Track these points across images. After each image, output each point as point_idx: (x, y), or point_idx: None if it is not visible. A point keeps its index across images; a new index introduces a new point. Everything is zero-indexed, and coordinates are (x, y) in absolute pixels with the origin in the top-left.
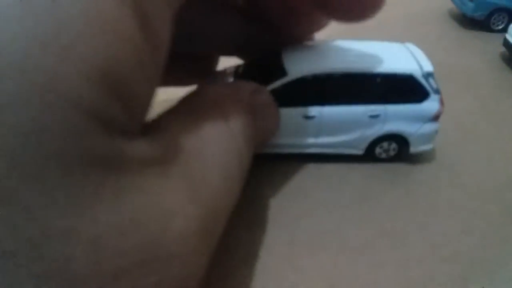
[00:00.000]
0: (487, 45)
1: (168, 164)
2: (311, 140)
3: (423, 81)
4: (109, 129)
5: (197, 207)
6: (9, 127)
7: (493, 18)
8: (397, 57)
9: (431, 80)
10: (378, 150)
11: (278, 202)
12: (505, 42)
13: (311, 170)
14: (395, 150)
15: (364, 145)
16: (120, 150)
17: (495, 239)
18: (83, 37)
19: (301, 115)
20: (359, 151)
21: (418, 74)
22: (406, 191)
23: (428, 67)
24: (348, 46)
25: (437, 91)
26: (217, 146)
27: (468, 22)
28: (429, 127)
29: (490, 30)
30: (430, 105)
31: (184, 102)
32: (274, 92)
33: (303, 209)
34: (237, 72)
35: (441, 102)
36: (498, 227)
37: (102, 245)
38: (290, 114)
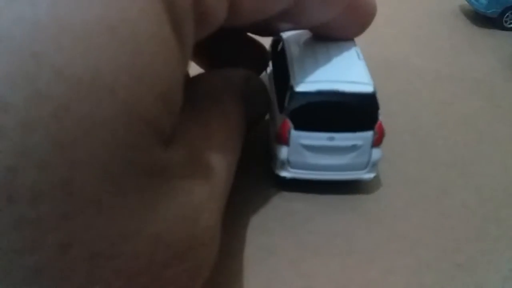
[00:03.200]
0: (500, 44)
1: (193, 165)
2: None
3: None
4: (163, 140)
5: (215, 201)
6: (104, 143)
7: (505, 16)
8: None
9: None
10: None
11: (287, 203)
12: None
13: None
14: None
15: None
16: (169, 159)
17: (509, 244)
18: (151, 63)
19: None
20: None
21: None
22: (419, 193)
23: None
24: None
25: None
26: (222, 143)
27: (480, 19)
28: None
29: (503, 28)
30: None
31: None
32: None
33: (312, 211)
34: None
35: None
36: (510, 232)
37: (159, 241)
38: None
